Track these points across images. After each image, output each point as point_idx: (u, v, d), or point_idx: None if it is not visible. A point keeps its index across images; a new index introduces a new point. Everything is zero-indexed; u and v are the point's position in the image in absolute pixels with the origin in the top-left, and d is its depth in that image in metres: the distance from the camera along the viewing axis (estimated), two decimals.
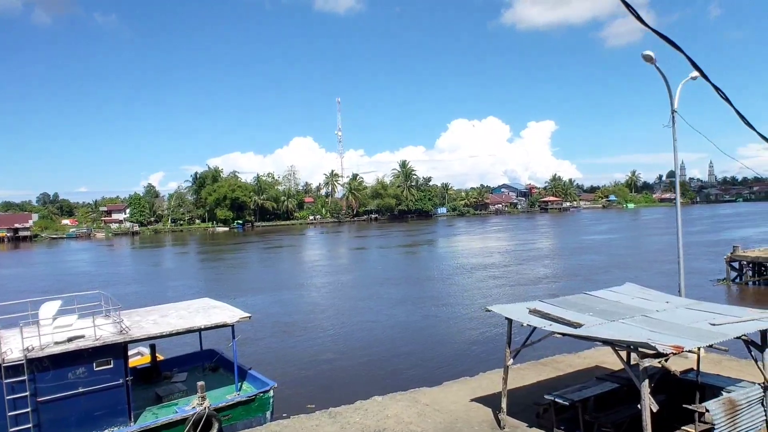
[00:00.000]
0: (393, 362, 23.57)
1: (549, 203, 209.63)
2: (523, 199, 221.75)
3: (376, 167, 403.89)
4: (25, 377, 12.35)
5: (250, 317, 16.10)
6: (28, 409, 12.41)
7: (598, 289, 15.98)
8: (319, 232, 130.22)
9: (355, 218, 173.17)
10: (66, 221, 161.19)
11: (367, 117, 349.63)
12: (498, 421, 13.43)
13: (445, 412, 14.38)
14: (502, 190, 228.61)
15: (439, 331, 28.94)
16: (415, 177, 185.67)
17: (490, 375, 16.96)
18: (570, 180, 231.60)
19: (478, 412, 14.22)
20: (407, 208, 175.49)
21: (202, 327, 15.73)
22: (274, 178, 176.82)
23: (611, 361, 16.64)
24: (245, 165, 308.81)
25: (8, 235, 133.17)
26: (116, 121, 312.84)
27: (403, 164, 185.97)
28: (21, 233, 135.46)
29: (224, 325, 15.66)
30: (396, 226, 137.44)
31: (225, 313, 16.30)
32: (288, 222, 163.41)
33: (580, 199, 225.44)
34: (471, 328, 28.46)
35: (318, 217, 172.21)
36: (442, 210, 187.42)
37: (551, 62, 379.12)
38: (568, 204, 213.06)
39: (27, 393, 12.38)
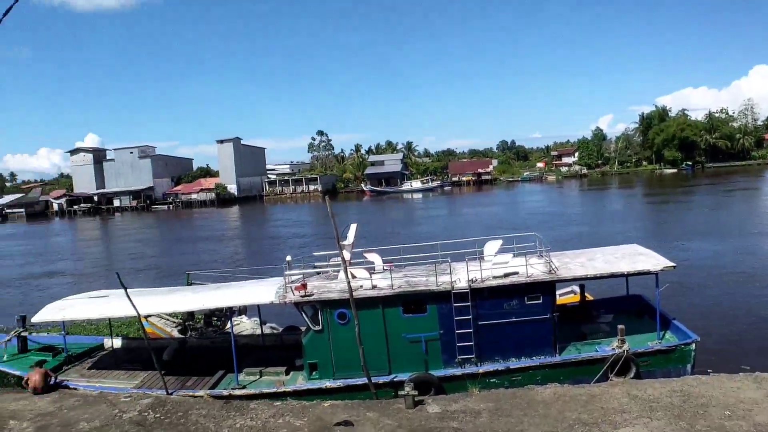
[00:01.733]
0: None
1: None
2: None
3: None
4: (469, 303, 15.03)
5: (674, 267, 15.70)
6: (471, 330, 15.12)
7: None
8: None
9: None
10: (539, 164, 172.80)
11: None
12: None
13: None
14: None
15: None
16: None
17: None
18: None
19: None
20: None
21: (625, 273, 16.09)
22: (728, 114, 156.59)
23: None
24: (697, 101, 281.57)
25: (472, 179, 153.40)
26: (567, 68, 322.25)
27: None
28: (483, 177, 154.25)
29: (647, 273, 15.68)
30: None
31: (649, 260, 16.24)
32: (744, 162, 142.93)
33: None
34: None
35: None
36: None
37: None
38: None
39: (470, 316, 15.06)
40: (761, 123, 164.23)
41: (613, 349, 15.00)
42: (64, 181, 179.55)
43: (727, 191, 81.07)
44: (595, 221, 58.48)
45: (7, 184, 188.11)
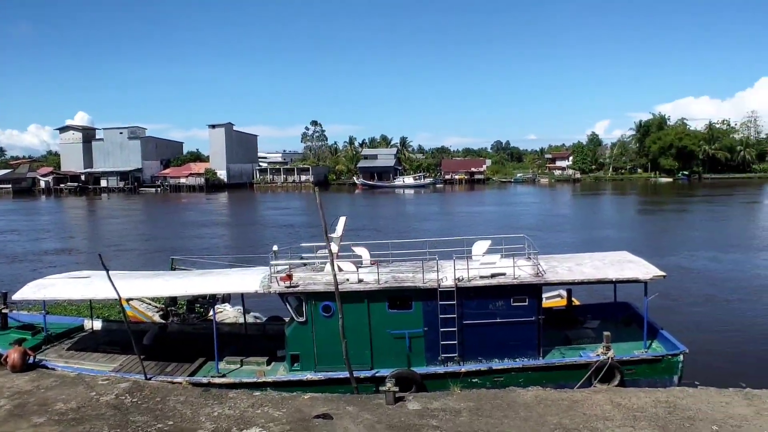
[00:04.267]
0: None
1: None
2: None
3: None
4: (455, 302, 14.92)
5: (665, 276, 15.67)
6: (455, 329, 15.01)
7: None
8: None
9: None
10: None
11: None
12: None
13: None
14: None
15: None
16: None
17: None
18: None
19: None
20: None
21: (613, 279, 16.13)
22: (729, 125, 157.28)
23: None
24: (698, 111, 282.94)
25: (465, 177, 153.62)
26: (566, 72, 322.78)
27: None
28: (476, 176, 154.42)
29: (636, 281, 15.69)
30: None
31: (639, 268, 16.17)
32: (743, 175, 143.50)
33: None
34: None
35: None
36: None
37: None
38: None
39: (455, 315, 14.96)
40: (764, 136, 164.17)
41: (598, 355, 14.94)
42: (52, 158, 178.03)
43: (723, 203, 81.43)
44: (585, 226, 58.62)
45: None
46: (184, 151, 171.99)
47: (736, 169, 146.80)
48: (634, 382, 14.80)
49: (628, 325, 18.00)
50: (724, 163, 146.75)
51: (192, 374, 15.51)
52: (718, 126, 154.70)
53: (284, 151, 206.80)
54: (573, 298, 20.09)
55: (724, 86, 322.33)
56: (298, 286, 15.15)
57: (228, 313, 21.86)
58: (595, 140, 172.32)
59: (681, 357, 15.17)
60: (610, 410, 12.44)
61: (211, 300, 17.72)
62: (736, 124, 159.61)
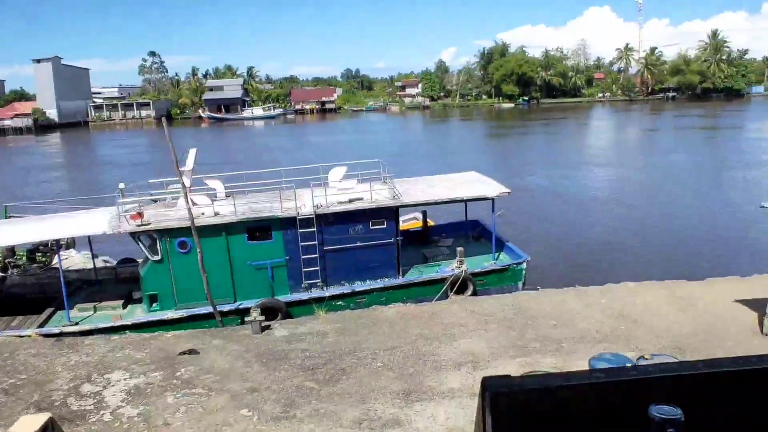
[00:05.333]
0: (653, 253, 22.72)
1: None
2: None
3: (681, 39, 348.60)
4: (315, 229, 15.07)
5: (510, 192, 16.86)
6: (317, 255, 15.24)
7: None
8: (608, 112, 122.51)
9: (650, 96, 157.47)
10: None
11: None
12: (761, 326, 12.38)
13: (700, 307, 13.70)
14: None
15: (717, 225, 26.39)
16: (727, 49, 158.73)
17: None
18: None
19: (741, 314, 13.23)
20: (713, 86, 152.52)
21: (464, 198, 17.07)
22: (562, 53, 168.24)
23: None
24: (535, 39, 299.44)
25: (316, 107, 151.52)
26: None
27: (714, 34, 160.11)
28: (327, 106, 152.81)
29: (485, 198, 16.71)
30: (696, 107, 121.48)
31: (487, 187, 17.23)
32: (575, 99, 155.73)
33: None
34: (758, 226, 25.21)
35: (608, 94, 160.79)
36: (758, 89, 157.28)
37: None
38: None
39: (316, 242, 15.16)
40: (592, 63, 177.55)
41: (453, 269, 15.95)
42: None
43: (560, 125, 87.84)
44: (436, 151, 60.82)
45: None
46: (6, 90, 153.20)
47: (568, 94, 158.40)
48: (485, 291, 16.06)
49: (478, 240, 19.32)
50: (558, 88, 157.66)
51: (41, 325, 14.49)
52: (552, 53, 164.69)
53: (120, 85, 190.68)
54: (428, 219, 21.06)
55: (558, 15, 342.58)
56: (150, 223, 14.47)
57: (74, 260, 20.45)
58: (442, 68, 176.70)
59: (524, 265, 16.66)
60: (465, 317, 13.46)
61: (54, 246, 16.44)
62: (568, 52, 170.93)
